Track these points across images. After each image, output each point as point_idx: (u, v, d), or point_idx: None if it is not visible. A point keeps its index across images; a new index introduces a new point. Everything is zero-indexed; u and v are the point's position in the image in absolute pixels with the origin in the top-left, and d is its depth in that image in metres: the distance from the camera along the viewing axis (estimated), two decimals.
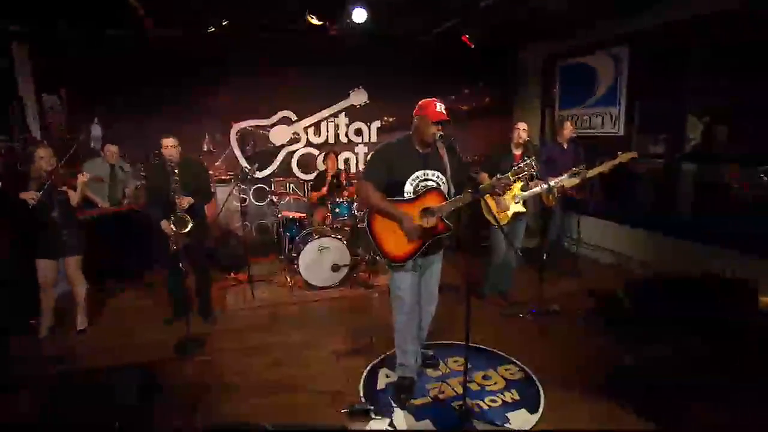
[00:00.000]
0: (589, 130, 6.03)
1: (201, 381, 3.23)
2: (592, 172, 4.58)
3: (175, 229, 3.73)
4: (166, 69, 5.66)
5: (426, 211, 2.78)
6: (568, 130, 5.07)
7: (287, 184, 6.61)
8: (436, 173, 2.85)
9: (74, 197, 3.82)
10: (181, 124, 5.39)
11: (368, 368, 3.35)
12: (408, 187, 2.80)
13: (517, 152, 4.23)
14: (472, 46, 5.33)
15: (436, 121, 2.71)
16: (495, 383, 3.16)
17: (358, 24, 4.73)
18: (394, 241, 2.81)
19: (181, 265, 3.79)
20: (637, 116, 5.42)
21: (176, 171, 3.76)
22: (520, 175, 2.77)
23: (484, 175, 4.25)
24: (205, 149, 6.20)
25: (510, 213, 4.21)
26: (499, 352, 3.55)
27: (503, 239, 4.30)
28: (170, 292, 4.15)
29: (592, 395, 2.97)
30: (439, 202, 2.78)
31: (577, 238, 5.50)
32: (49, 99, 5.01)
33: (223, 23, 4.75)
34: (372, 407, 2.83)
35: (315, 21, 4.79)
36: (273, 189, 5.67)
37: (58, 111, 5.12)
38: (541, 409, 2.86)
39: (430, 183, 2.82)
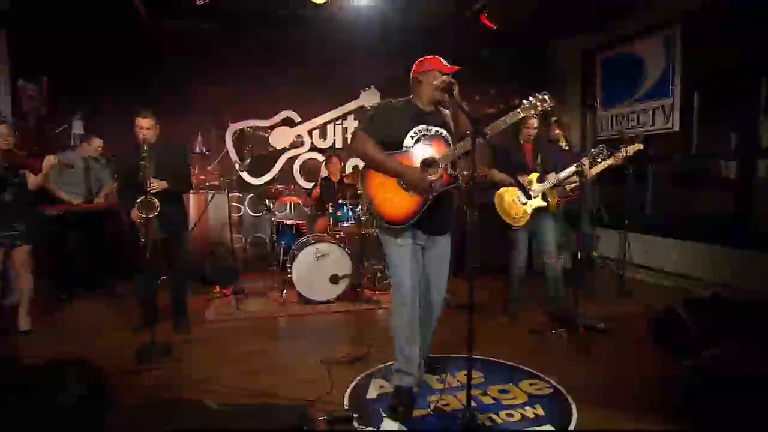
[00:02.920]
0: (638, 129, 5.82)
1: (159, 388, 3.06)
2: (594, 169, 4.40)
3: (142, 215, 3.67)
4: (157, 62, 5.86)
5: (427, 162, 2.67)
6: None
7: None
8: (441, 130, 2.76)
9: (33, 180, 3.85)
10: (172, 122, 5.45)
11: (360, 376, 3.14)
12: (408, 141, 2.72)
13: (528, 145, 4.22)
14: (494, 27, 5.32)
15: (439, 77, 2.66)
16: (514, 397, 2.89)
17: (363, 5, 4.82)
18: (392, 200, 2.69)
19: (150, 260, 3.70)
20: (697, 107, 5.20)
21: (147, 152, 3.74)
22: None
23: (494, 170, 4.16)
24: (197, 151, 6.26)
25: (529, 209, 4.04)
26: (523, 367, 3.30)
27: (524, 242, 4.19)
28: (138, 295, 4.06)
29: (637, 416, 2.66)
30: (443, 151, 2.68)
31: (623, 259, 5.20)
32: (27, 86, 5.20)
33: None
34: (356, 415, 2.59)
35: (318, 0, 4.89)
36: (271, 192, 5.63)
37: (37, 99, 5.29)
38: (572, 427, 2.56)
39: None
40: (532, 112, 2.66)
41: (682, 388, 2.82)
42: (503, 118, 2.64)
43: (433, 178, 2.65)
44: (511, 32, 6.04)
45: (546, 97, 2.62)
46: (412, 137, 2.71)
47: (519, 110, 2.63)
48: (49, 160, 3.91)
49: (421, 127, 2.72)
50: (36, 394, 2.51)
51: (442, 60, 2.74)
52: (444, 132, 2.76)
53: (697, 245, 5.21)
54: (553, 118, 4.95)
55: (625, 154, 4.34)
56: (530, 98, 2.66)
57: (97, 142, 5.20)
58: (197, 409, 2.23)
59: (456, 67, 2.69)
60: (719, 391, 2.62)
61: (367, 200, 2.75)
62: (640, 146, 4.40)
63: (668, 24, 5.40)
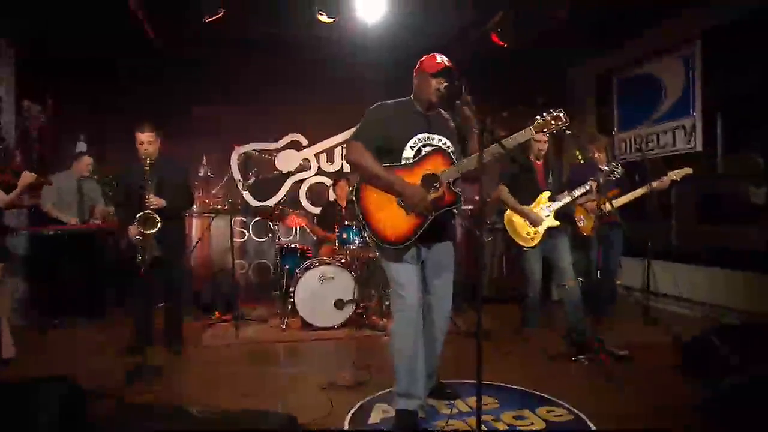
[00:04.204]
0: (659, 151, 5.76)
1: (148, 407, 2.95)
2: (624, 199, 4.47)
3: (141, 230, 3.65)
4: (163, 84, 5.98)
5: (428, 178, 2.58)
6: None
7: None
8: (443, 139, 2.69)
9: (3, 198, 3.65)
10: (177, 145, 5.54)
11: (362, 401, 3.00)
12: (408, 152, 2.63)
13: (540, 162, 4.17)
14: (505, 45, 5.37)
15: (436, 72, 2.58)
16: (531, 424, 2.73)
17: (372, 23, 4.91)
18: (389, 218, 2.59)
19: (145, 279, 3.66)
20: (721, 124, 5.13)
21: (148, 167, 3.76)
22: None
23: (504, 189, 4.12)
24: (202, 174, 6.32)
25: (541, 229, 3.99)
26: (541, 394, 3.13)
27: (538, 263, 4.11)
28: (132, 316, 4.01)
29: None
30: (445, 166, 2.60)
31: (646, 287, 5.08)
32: (32, 107, 5.32)
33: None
34: None
35: (325, 19, 4.98)
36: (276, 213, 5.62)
37: (41, 121, 5.40)
38: None
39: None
40: (545, 130, 2.57)
41: (712, 417, 2.67)
42: (513, 135, 2.57)
43: (434, 196, 2.55)
44: (525, 53, 6.10)
45: (561, 114, 2.53)
46: (412, 147, 2.61)
47: (531, 127, 2.55)
48: (26, 176, 3.67)
49: (421, 136, 2.63)
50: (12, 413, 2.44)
51: (436, 57, 2.62)
52: (446, 142, 2.67)
53: (727, 272, 5.04)
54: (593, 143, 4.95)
55: (672, 179, 4.34)
56: (544, 114, 2.59)
57: (87, 160, 5.23)
58: (177, 414, 2.12)
59: (443, 65, 2.57)
60: (752, 421, 2.46)
61: (361, 217, 2.63)
62: (689, 171, 4.34)
63: (687, 42, 5.39)
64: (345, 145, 6.67)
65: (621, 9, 5.12)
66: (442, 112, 2.77)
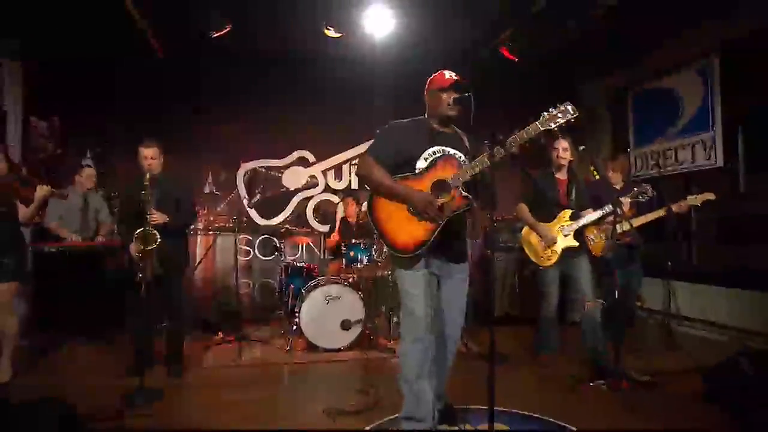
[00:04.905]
0: (678, 167, 5.67)
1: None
2: (642, 219, 4.35)
3: (141, 247, 3.62)
4: (169, 100, 6.02)
5: (438, 185, 2.59)
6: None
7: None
8: (458, 153, 2.70)
9: (25, 213, 3.75)
10: (182, 161, 5.55)
11: (368, 427, 2.92)
12: (421, 164, 2.66)
13: (562, 177, 4.03)
14: (516, 60, 5.36)
15: (446, 87, 2.64)
16: None
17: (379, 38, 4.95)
18: (402, 227, 2.61)
19: (146, 298, 3.61)
20: (742, 138, 5.03)
21: (150, 183, 3.73)
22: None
23: (523, 207, 4.04)
24: (207, 191, 6.32)
25: (559, 249, 3.88)
26: (556, 421, 3.02)
27: (555, 284, 3.99)
28: (133, 336, 3.95)
29: None
30: (456, 172, 2.60)
31: (667, 310, 4.95)
32: (38, 124, 5.37)
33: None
34: None
35: (333, 34, 5.01)
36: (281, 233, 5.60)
37: (47, 138, 5.45)
38: None
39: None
40: (552, 125, 2.48)
41: None
42: (520, 132, 2.52)
43: (443, 201, 2.56)
44: (537, 69, 6.09)
45: (569, 107, 2.46)
46: (426, 159, 2.65)
47: (537, 123, 2.49)
48: (42, 189, 3.75)
49: (435, 148, 2.66)
50: None
51: (446, 72, 2.69)
52: (460, 154, 2.69)
53: (753, 294, 4.89)
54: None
55: (692, 204, 4.21)
56: (550, 109, 2.51)
57: (89, 171, 5.23)
58: None
59: (453, 79, 2.64)
60: None
61: (375, 229, 2.67)
62: (711, 196, 4.23)
63: (705, 54, 5.34)
64: (355, 161, 6.68)
65: (635, 23, 5.10)
66: (458, 130, 2.80)
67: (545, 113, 2.50)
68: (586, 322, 3.86)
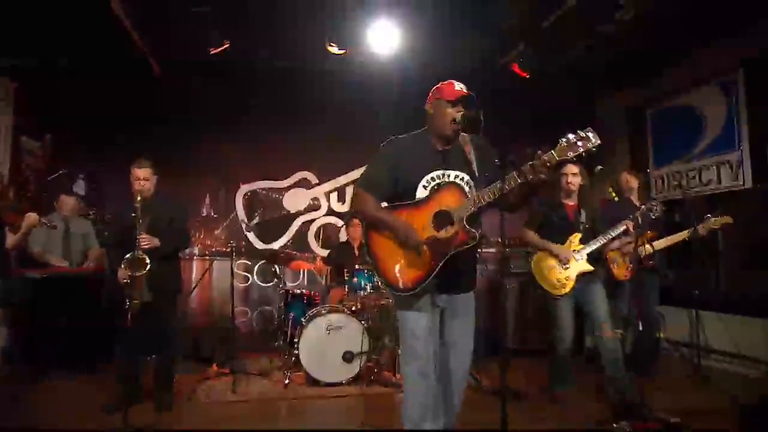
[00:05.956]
0: (701, 188, 5.51)
1: None
2: (665, 242, 4.31)
3: (129, 272, 3.50)
4: (166, 119, 5.94)
5: (440, 217, 2.44)
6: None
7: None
8: (461, 174, 2.54)
9: (12, 240, 3.75)
10: (179, 182, 5.48)
11: None
12: (421, 192, 2.52)
13: (570, 202, 3.93)
14: (527, 76, 5.26)
15: (454, 100, 2.49)
16: None
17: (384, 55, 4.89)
18: (399, 262, 2.49)
19: (133, 327, 3.47)
20: None
21: (141, 205, 3.63)
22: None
23: (531, 234, 3.94)
24: (204, 213, 6.22)
25: (573, 274, 3.74)
26: None
27: (570, 313, 3.82)
28: (117, 369, 3.81)
29: None
30: (459, 202, 2.43)
31: (694, 341, 4.80)
32: (29, 143, 5.32)
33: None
34: None
35: (336, 50, 4.95)
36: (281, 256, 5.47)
37: (38, 158, 5.39)
38: None
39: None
40: (571, 154, 2.26)
41: None
42: (534, 163, 2.31)
43: (444, 236, 2.41)
44: (549, 85, 5.99)
45: (590, 134, 2.25)
46: (425, 187, 2.51)
47: (553, 152, 2.26)
48: (30, 218, 3.78)
49: (436, 173, 2.52)
50: None
51: (454, 84, 2.53)
52: (463, 177, 2.53)
53: None
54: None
55: (711, 227, 4.16)
56: (569, 136, 2.29)
57: (65, 199, 5.12)
58: None
59: (463, 92, 2.48)
60: None
61: (373, 264, 2.57)
62: (729, 220, 4.18)
63: (728, 70, 5.22)
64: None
65: (654, 37, 5.01)
66: (462, 139, 2.62)
67: (563, 140, 2.28)
68: (606, 355, 3.68)
